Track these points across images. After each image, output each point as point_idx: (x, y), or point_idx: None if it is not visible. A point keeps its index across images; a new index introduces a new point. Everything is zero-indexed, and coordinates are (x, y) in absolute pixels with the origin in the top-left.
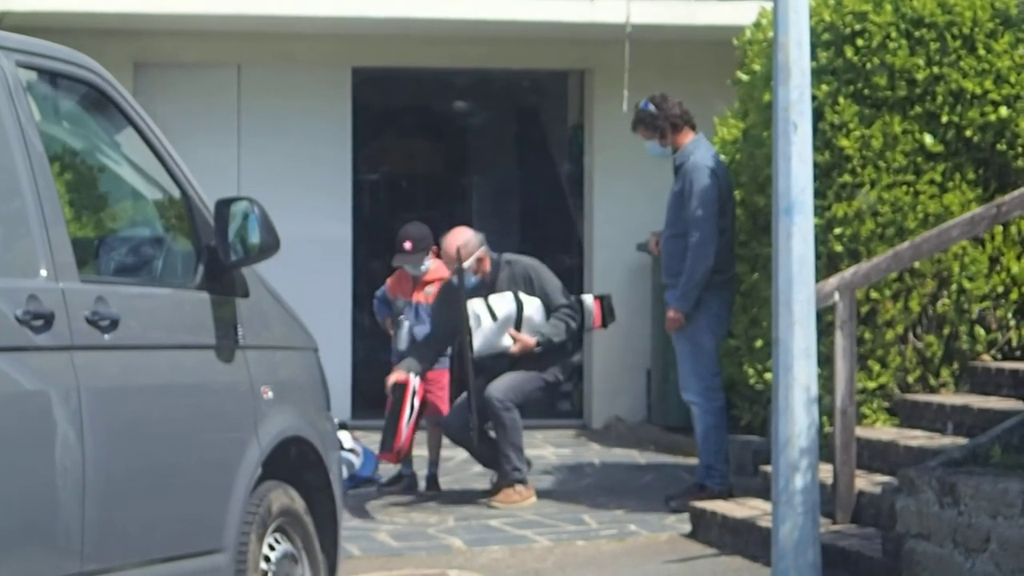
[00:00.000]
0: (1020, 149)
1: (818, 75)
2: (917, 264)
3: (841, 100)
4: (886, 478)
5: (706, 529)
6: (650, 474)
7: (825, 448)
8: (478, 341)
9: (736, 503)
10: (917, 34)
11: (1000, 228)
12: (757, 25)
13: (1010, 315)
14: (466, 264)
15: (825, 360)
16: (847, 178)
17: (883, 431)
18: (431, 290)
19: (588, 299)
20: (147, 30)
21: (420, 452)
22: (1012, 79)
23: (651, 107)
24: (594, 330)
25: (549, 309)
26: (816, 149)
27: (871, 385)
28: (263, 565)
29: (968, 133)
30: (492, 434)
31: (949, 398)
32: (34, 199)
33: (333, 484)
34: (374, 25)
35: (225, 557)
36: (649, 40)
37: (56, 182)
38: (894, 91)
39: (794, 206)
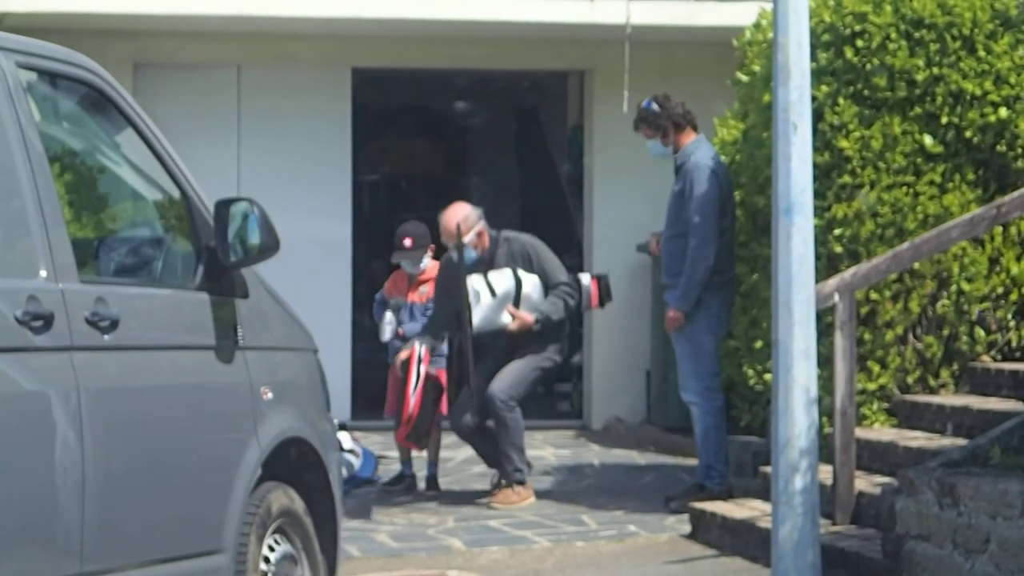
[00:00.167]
0: (1020, 150)
1: (818, 76)
2: (917, 265)
3: (841, 101)
4: (886, 479)
5: (706, 530)
6: (650, 475)
7: (825, 449)
8: (477, 317)
9: (736, 504)
10: (917, 35)
11: (1000, 229)
12: (757, 26)
13: (1010, 316)
14: (466, 239)
15: (825, 361)
16: (847, 179)
17: (883, 432)
18: (425, 289)
19: (585, 278)
20: (147, 31)
21: (419, 453)
22: (1012, 80)
23: (654, 106)
24: (592, 310)
25: (547, 287)
26: (816, 150)
27: (871, 386)
28: (263, 566)
29: (968, 134)
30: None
31: (949, 399)
32: (34, 200)
33: (333, 485)
34: (374, 26)
35: (225, 558)
36: (649, 41)
37: (56, 183)
38: (894, 92)
39: (794, 207)
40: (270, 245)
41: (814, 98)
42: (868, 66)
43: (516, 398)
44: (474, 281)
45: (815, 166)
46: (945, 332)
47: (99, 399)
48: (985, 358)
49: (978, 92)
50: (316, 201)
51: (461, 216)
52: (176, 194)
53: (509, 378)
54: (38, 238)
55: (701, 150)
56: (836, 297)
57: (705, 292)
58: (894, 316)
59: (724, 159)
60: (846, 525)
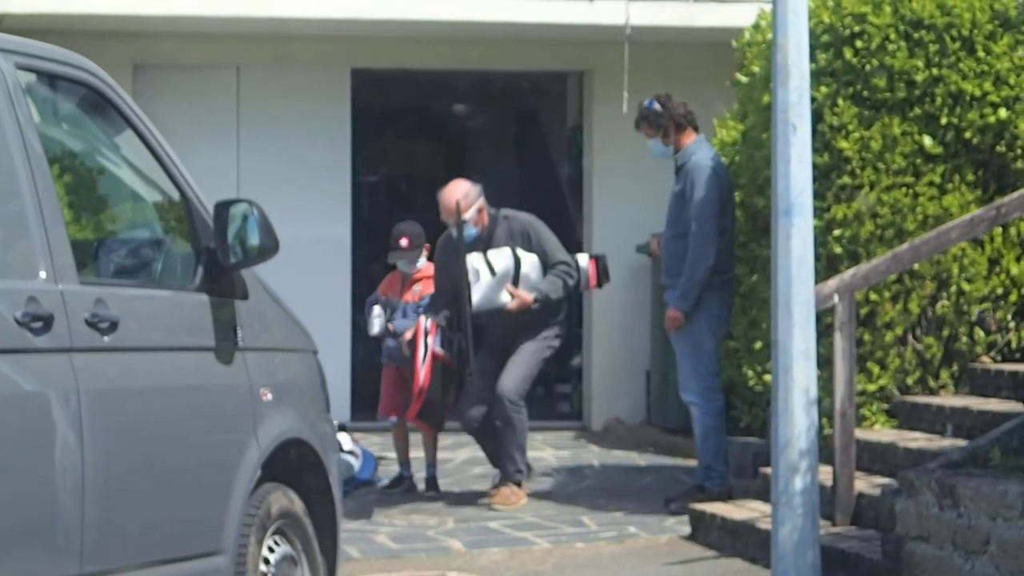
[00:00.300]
0: (1019, 151)
1: (817, 77)
2: (916, 266)
3: (840, 102)
4: (886, 480)
5: (706, 531)
6: (649, 476)
7: (825, 450)
8: (477, 296)
9: (736, 505)
10: (916, 36)
11: (999, 230)
12: (756, 27)
13: (1009, 317)
14: (467, 215)
15: (824, 362)
16: (846, 180)
17: (883, 433)
18: (419, 288)
19: (583, 259)
20: (146, 32)
21: (417, 454)
22: (1011, 81)
23: (656, 105)
24: (590, 290)
25: (546, 266)
26: (815, 151)
27: (871, 387)
28: (262, 567)
29: (967, 135)
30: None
31: (948, 400)
32: (33, 201)
33: (332, 486)
34: (373, 27)
35: (224, 559)
36: (648, 42)
37: (55, 184)
38: (893, 93)
39: (793, 208)
40: (270, 246)
41: (813, 99)
42: (867, 67)
43: (524, 395)
44: (473, 259)
45: (814, 167)
46: (945, 333)
47: (99, 400)
48: (985, 359)
49: (977, 93)
50: (315, 202)
51: (461, 193)
52: (176, 195)
53: (516, 376)
54: (38, 239)
55: (702, 150)
56: (836, 298)
57: (705, 292)
58: (894, 317)
59: (724, 160)
60: (846, 526)
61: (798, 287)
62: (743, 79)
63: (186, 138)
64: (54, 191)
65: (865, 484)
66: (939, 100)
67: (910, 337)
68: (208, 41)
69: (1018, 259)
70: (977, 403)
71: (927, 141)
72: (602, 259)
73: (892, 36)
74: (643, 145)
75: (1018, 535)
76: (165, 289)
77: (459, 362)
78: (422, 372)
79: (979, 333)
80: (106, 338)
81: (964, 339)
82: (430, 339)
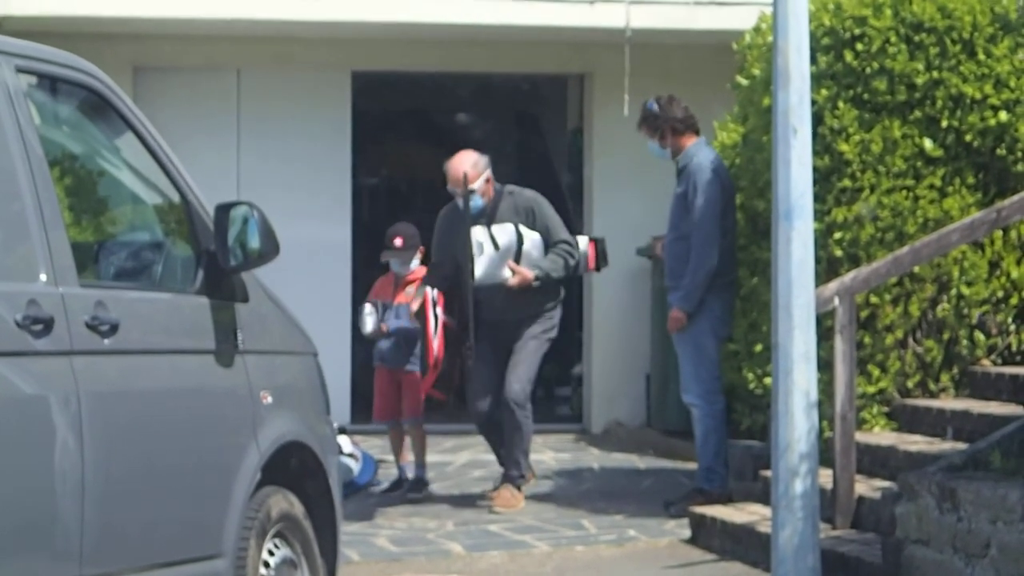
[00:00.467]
0: (1020, 154)
1: (818, 79)
2: (917, 269)
3: (841, 104)
4: (886, 483)
5: (706, 534)
6: (649, 479)
7: (825, 453)
8: (479, 269)
9: (736, 508)
10: (917, 39)
11: (1000, 233)
12: (757, 30)
13: (1010, 320)
14: (474, 185)
15: (825, 365)
16: (847, 182)
17: (883, 436)
18: (411, 290)
19: (583, 241)
20: (146, 34)
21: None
22: (1012, 84)
23: (655, 107)
24: (589, 272)
25: (548, 244)
26: (816, 153)
27: (871, 390)
28: (262, 570)
29: (968, 138)
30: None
31: (949, 403)
32: (34, 203)
33: (332, 489)
34: (374, 29)
35: (224, 562)
36: (649, 44)
37: (56, 186)
38: (894, 95)
39: (794, 210)
40: (270, 249)
41: (814, 102)
42: (868, 70)
43: (529, 395)
44: (477, 233)
45: (815, 170)
46: (945, 336)
47: (99, 403)
48: (985, 362)
49: (978, 96)
50: (316, 205)
51: (469, 163)
52: (176, 198)
53: (520, 378)
54: (38, 242)
55: (703, 152)
56: (836, 301)
57: (708, 294)
58: (894, 320)
59: (724, 162)
60: (846, 529)
61: (798, 290)
62: (743, 82)
63: (186, 140)
64: (54, 193)
65: (865, 487)
66: (940, 103)
67: (910, 340)
68: (208, 43)
69: (1018, 262)
70: (977, 406)
71: (927, 144)
72: (601, 242)
73: (893, 39)
74: (643, 148)
75: (1018, 539)
76: (165, 292)
77: (460, 335)
78: (435, 343)
79: (979, 336)
80: (106, 341)
81: (964, 342)
82: (439, 310)
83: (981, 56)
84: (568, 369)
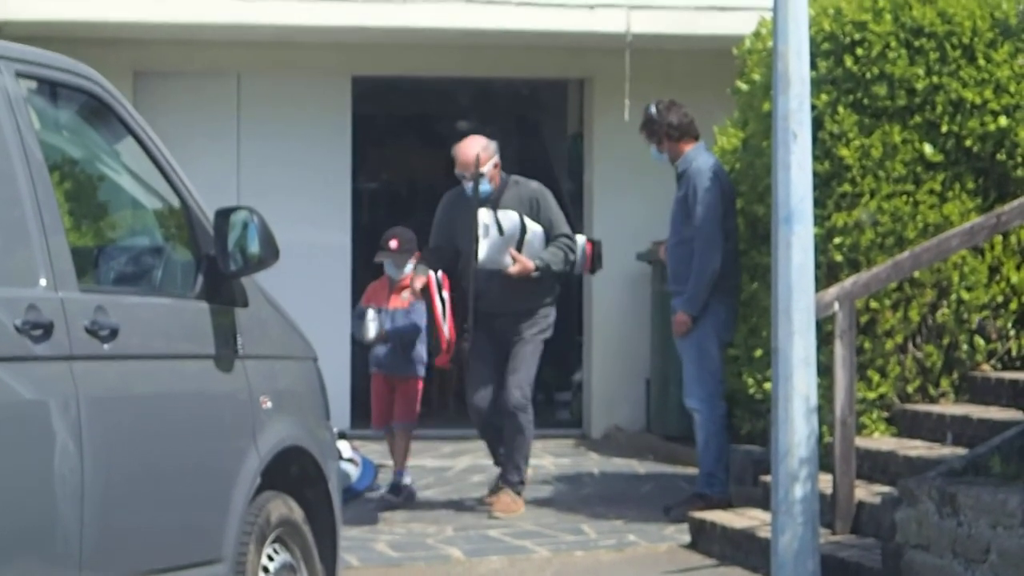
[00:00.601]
0: (1020, 159)
1: (818, 84)
2: (917, 274)
3: (841, 109)
4: (886, 488)
5: (706, 539)
6: (649, 484)
7: (825, 458)
8: (483, 251)
9: (736, 513)
10: (917, 44)
11: (1000, 238)
12: (757, 35)
13: (1010, 325)
14: (484, 168)
15: (825, 370)
16: (847, 187)
17: (883, 441)
18: (407, 295)
19: (581, 239)
20: (147, 39)
21: (415, 462)
22: (1012, 89)
23: (653, 112)
24: (584, 273)
25: (549, 237)
26: (816, 158)
27: (871, 395)
28: (261, 575)
29: (968, 143)
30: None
31: (949, 408)
32: (34, 208)
33: (332, 494)
34: (374, 34)
35: (224, 567)
36: (649, 49)
37: (56, 191)
38: (894, 101)
39: (794, 215)
40: (270, 254)
41: (814, 107)
42: (868, 75)
43: (530, 396)
44: (483, 215)
45: (815, 175)
46: (945, 341)
47: (98, 408)
48: (985, 367)
49: (978, 101)
50: (316, 209)
51: (480, 146)
52: (176, 203)
53: (520, 380)
54: (38, 247)
55: (701, 157)
56: (836, 306)
57: (712, 298)
58: (894, 325)
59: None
60: (846, 534)
61: (798, 295)
62: (744, 86)
63: (187, 145)
64: (54, 198)
65: (865, 492)
66: (940, 108)
67: (910, 345)
68: (209, 48)
69: (1018, 267)
70: (977, 411)
71: (927, 149)
72: (598, 244)
73: (893, 44)
74: (643, 153)
75: (1018, 544)
76: (165, 297)
77: (462, 277)
78: (445, 327)
79: (979, 341)
80: (106, 346)
81: (964, 347)
82: (445, 293)
83: (981, 61)
84: (568, 374)
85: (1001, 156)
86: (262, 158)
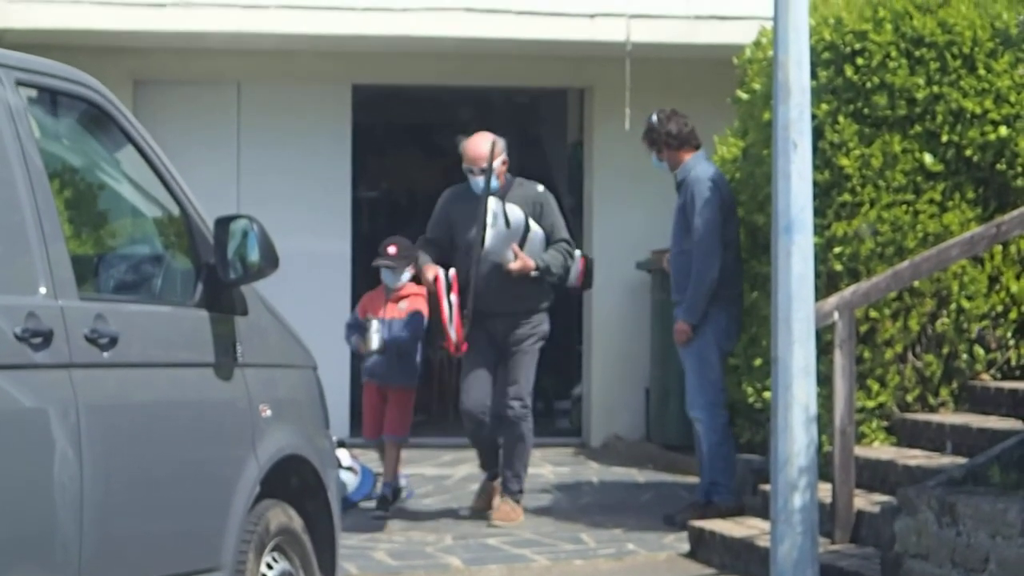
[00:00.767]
0: (1020, 169)
1: (818, 94)
2: (916, 283)
3: (841, 119)
4: (885, 497)
5: (705, 548)
6: (649, 493)
7: (824, 467)
8: (490, 239)
9: (735, 522)
10: (917, 53)
11: (1000, 247)
12: (757, 44)
13: (1009, 334)
14: (496, 162)
15: (824, 379)
16: (847, 197)
17: (882, 450)
18: (404, 305)
19: (576, 253)
20: (147, 48)
21: (414, 471)
22: (1012, 99)
23: (653, 120)
24: (576, 288)
25: (549, 241)
26: (816, 168)
27: (870, 404)
28: None
29: (968, 152)
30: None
31: (948, 417)
32: (33, 216)
33: (331, 502)
34: (374, 43)
35: (223, 575)
36: (649, 58)
37: (55, 199)
38: (894, 110)
39: (794, 225)
40: (270, 262)
41: (814, 116)
42: (868, 84)
43: (530, 402)
44: (493, 203)
45: (815, 184)
46: (945, 350)
47: (98, 416)
48: (985, 376)
49: (978, 111)
50: (316, 218)
51: (491, 140)
52: (176, 211)
53: (520, 389)
54: (38, 255)
55: (700, 166)
56: (836, 315)
57: (713, 307)
58: (894, 334)
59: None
60: (845, 544)
61: (798, 304)
62: (744, 96)
63: (186, 153)
64: (54, 206)
65: (864, 501)
66: (940, 118)
67: (910, 354)
68: (209, 57)
69: (1018, 277)
70: (977, 421)
71: (928, 159)
72: (590, 262)
73: (893, 54)
74: (644, 162)
75: (1017, 553)
76: (165, 305)
77: (465, 267)
78: (453, 332)
79: (979, 351)
80: (106, 354)
81: (964, 357)
82: (453, 297)
83: (981, 71)
84: (568, 382)
85: (1001, 166)
86: (262, 166)
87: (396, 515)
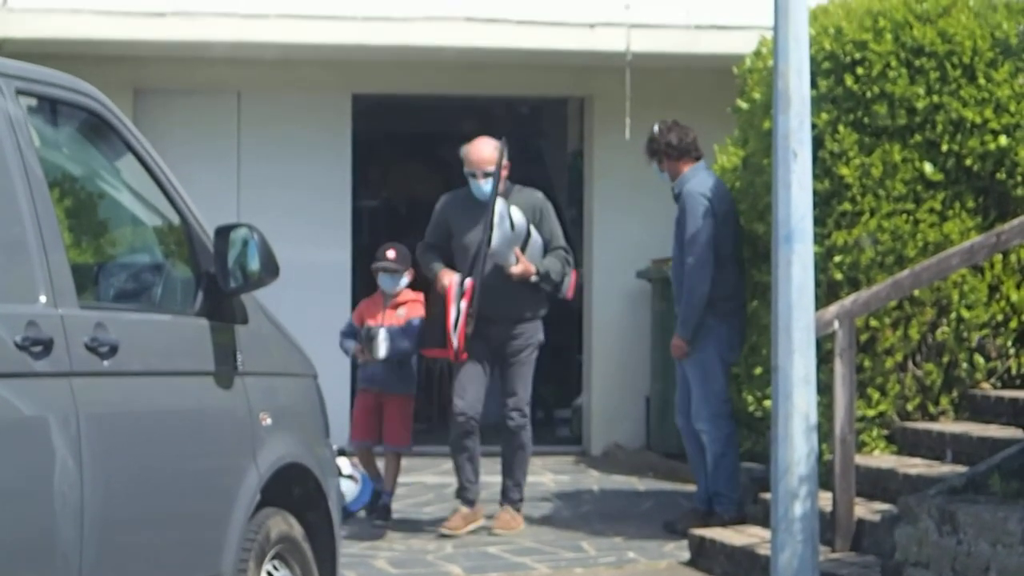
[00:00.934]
0: (1020, 178)
1: (818, 103)
2: (917, 292)
3: (841, 128)
4: (885, 506)
5: (705, 557)
6: (649, 501)
7: (824, 476)
8: (496, 239)
9: (736, 531)
10: (917, 63)
11: (1000, 256)
12: (757, 53)
13: (1009, 343)
14: (495, 167)
15: (824, 388)
16: (847, 206)
17: (882, 459)
18: (403, 312)
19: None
20: (147, 57)
21: (415, 479)
22: (1012, 108)
23: (655, 131)
24: (566, 299)
25: (547, 248)
26: (816, 177)
27: (870, 413)
28: None
29: (968, 162)
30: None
31: (948, 426)
32: (33, 225)
33: (332, 511)
34: (375, 52)
35: None
36: (649, 68)
37: (56, 208)
38: (894, 120)
39: (794, 234)
40: (270, 271)
41: (814, 125)
42: (868, 94)
43: (529, 411)
44: (500, 205)
45: (815, 193)
46: (945, 359)
47: (98, 425)
48: (985, 385)
49: (978, 120)
50: (316, 227)
51: (494, 145)
52: (176, 220)
53: (520, 400)
54: (38, 263)
55: (697, 177)
56: (836, 324)
57: (712, 319)
58: (894, 343)
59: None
60: (845, 552)
61: (798, 313)
62: (744, 105)
63: (186, 162)
64: (54, 215)
65: (865, 510)
66: (940, 127)
67: (910, 363)
68: (209, 66)
69: (1018, 286)
70: (977, 429)
71: (928, 168)
72: (581, 275)
73: (893, 63)
74: (644, 171)
75: (1018, 562)
76: (165, 313)
77: (470, 266)
78: (456, 340)
79: (979, 359)
80: (106, 362)
81: (964, 365)
82: (463, 303)
83: (981, 81)
84: (568, 391)
85: (1001, 175)
86: (262, 175)
87: (397, 523)
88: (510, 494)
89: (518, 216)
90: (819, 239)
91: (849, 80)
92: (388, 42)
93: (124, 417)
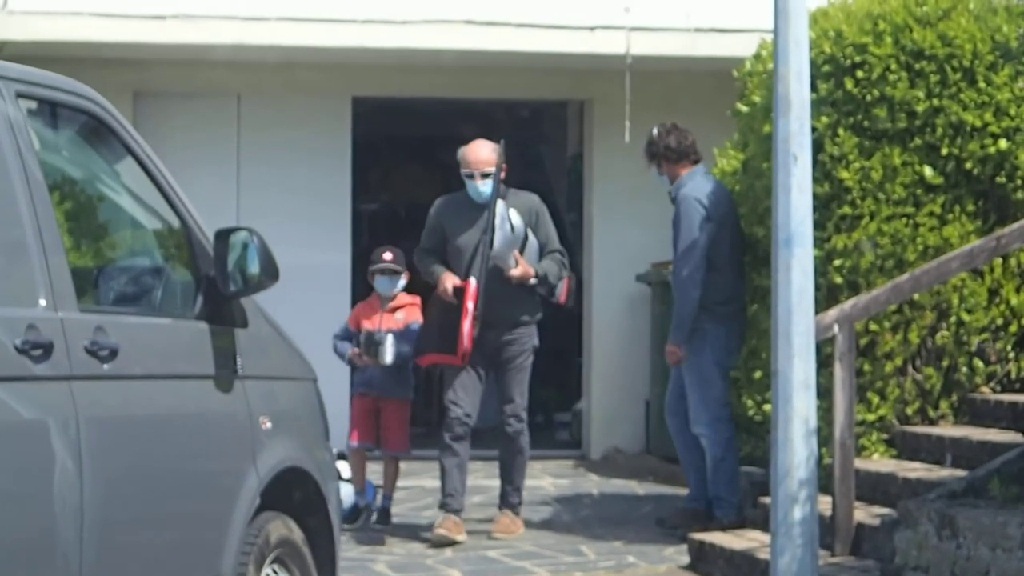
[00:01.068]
0: (1020, 181)
1: (818, 107)
2: (916, 296)
3: (841, 132)
4: (885, 510)
5: (705, 561)
6: (649, 505)
7: (824, 480)
8: (499, 240)
9: (735, 535)
10: (917, 66)
11: (999, 260)
12: (757, 57)
13: (1009, 347)
14: (493, 168)
15: (824, 392)
16: (847, 210)
17: (882, 463)
18: (401, 316)
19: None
20: (147, 60)
21: (414, 483)
22: (1012, 112)
23: (654, 134)
24: (559, 304)
25: (543, 251)
26: (816, 180)
27: (870, 417)
28: None
29: (968, 165)
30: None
31: (948, 430)
32: (33, 228)
33: (331, 514)
34: (375, 55)
35: None
36: (649, 71)
37: (55, 211)
38: (894, 123)
39: (793, 237)
40: (270, 275)
41: (814, 129)
42: (868, 97)
43: (526, 416)
44: (500, 207)
45: (815, 197)
46: (944, 363)
47: (98, 428)
48: (984, 389)
49: (978, 123)
50: (315, 230)
51: (492, 146)
52: (176, 223)
53: (517, 406)
54: (38, 267)
55: (693, 181)
56: (835, 328)
57: (709, 323)
58: (893, 347)
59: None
60: (845, 556)
61: (798, 317)
62: (744, 108)
63: (187, 166)
64: (54, 218)
65: (864, 514)
66: (940, 130)
67: (910, 367)
68: (209, 69)
69: (1018, 290)
70: (976, 433)
71: (927, 171)
72: (573, 279)
73: (893, 67)
74: (643, 175)
75: (1017, 566)
76: (165, 317)
77: (468, 268)
78: (467, 340)
79: (979, 363)
80: (106, 366)
81: (964, 369)
82: (470, 304)
83: (981, 84)
84: (568, 395)
85: (1001, 179)
86: (262, 179)
87: (396, 528)
88: (509, 498)
89: (517, 219)
90: (819, 243)
91: (849, 83)
92: (388, 45)
93: (124, 421)
